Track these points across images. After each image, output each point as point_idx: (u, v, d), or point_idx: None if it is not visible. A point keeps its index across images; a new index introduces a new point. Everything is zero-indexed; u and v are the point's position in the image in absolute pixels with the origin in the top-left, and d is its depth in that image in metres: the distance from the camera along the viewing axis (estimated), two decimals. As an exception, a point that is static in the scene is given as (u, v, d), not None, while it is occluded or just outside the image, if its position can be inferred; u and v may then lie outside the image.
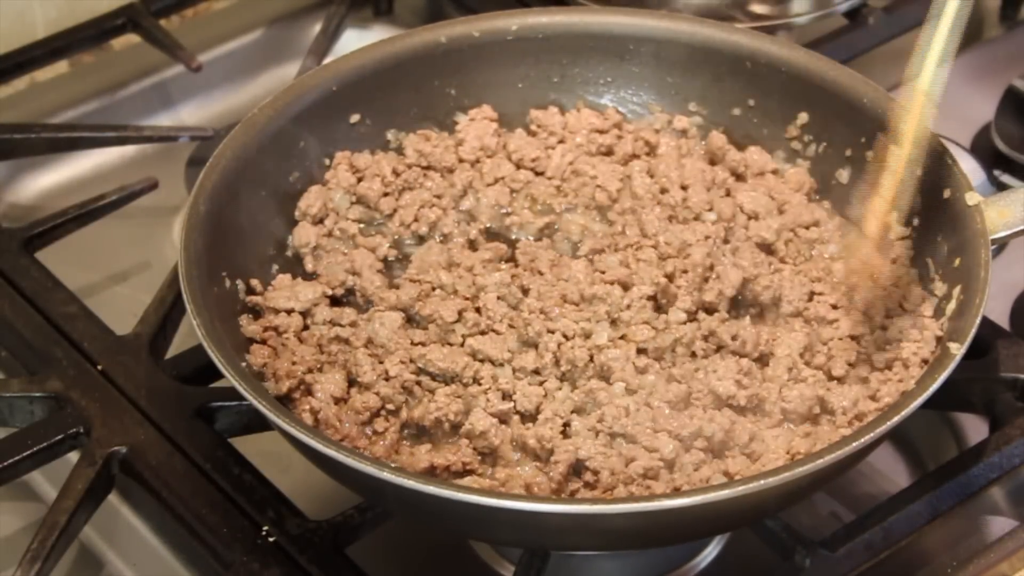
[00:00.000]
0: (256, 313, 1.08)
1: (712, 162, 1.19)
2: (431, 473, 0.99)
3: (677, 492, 0.97)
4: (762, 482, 0.89)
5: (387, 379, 1.04)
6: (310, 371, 1.05)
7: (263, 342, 1.06)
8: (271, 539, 1.02)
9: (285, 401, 1.03)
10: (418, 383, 1.04)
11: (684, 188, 1.16)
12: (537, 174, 1.20)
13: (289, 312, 1.08)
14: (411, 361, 1.05)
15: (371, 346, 1.06)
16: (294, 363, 1.04)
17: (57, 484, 1.05)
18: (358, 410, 1.03)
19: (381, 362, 1.05)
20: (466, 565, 1.11)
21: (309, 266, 1.13)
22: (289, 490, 1.05)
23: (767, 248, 1.12)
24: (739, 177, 1.19)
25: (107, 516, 1.08)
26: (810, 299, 1.09)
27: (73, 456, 1.08)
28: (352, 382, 1.05)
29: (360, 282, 1.11)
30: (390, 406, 1.03)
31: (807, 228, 1.14)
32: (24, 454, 1.07)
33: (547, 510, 0.90)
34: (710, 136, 1.20)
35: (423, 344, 1.06)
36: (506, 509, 0.89)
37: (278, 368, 1.04)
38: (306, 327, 1.09)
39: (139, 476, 1.06)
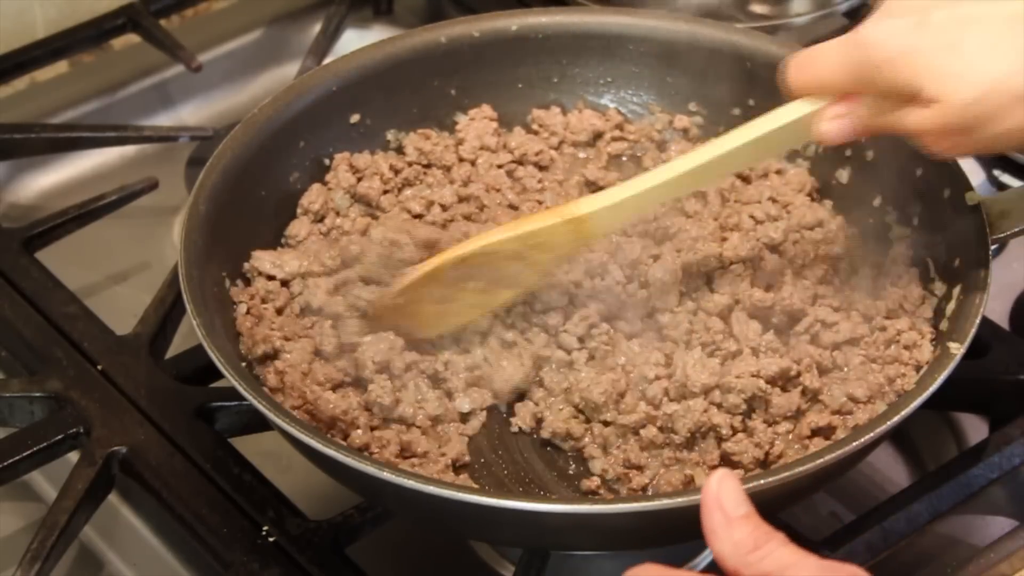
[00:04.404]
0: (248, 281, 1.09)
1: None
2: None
3: (676, 492, 0.97)
4: (761, 481, 0.89)
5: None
6: (286, 339, 1.05)
7: (248, 311, 1.06)
8: (271, 539, 1.02)
9: (254, 366, 1.03)
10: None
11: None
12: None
13: (270, 278, 1.08)
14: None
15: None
16: (272, 329, 1.05)
17: (57, 484, 1.05)
18: (320, 382, 1.03)
19: None
20: (466, 565, 1.11)
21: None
22: (289, 490, 1.05)
23: (774, 249, 1.12)
24: (744, 179, 1.18)
25: (107, 516, 1.08)
26: (813, 302, 1.08)
27: (73, 456, 1.08)
28: (318, 353, 1.05)
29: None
30: (347, 379, 1.04)
31: (811, 229, 1.14)
32: (24, 454, 1.07)
33: (547, 510, 0.90)
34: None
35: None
36: (506, 509, 0.89)
37: (255, 333, 1.04)
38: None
39: (139, 476, 1.06)
